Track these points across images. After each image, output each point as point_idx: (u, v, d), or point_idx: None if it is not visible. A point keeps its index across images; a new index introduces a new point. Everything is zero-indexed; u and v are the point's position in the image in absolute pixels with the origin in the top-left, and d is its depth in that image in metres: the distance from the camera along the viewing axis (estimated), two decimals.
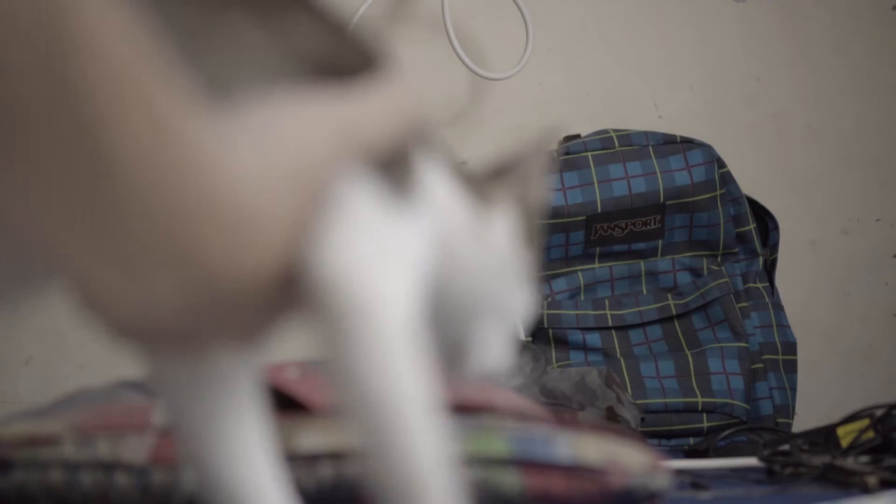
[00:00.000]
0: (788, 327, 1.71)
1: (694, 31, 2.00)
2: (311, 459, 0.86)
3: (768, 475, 1.27)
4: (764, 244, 1.75)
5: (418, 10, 1.88)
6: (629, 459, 0.91)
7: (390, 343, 0.47)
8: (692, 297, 1.69)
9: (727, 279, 1.69)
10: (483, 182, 0.64)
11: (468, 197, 0.61)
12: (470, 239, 0.61)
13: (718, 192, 1.70)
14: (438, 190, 0.58)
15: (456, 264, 0.60)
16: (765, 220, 1.76)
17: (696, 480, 1.24)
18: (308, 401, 0.90)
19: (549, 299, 1.67)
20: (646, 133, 1.75)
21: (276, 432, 0.89)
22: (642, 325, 1.67)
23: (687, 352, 1.66)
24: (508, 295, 0.66)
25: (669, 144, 1.72)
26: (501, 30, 1.89)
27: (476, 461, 0.86)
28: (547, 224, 1.63)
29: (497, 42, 1.90)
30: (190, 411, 0.53)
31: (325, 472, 0.87)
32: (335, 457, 0.86)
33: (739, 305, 1.69)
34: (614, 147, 1.72)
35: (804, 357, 1.74)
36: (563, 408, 1.32)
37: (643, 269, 1.69)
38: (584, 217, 1.66)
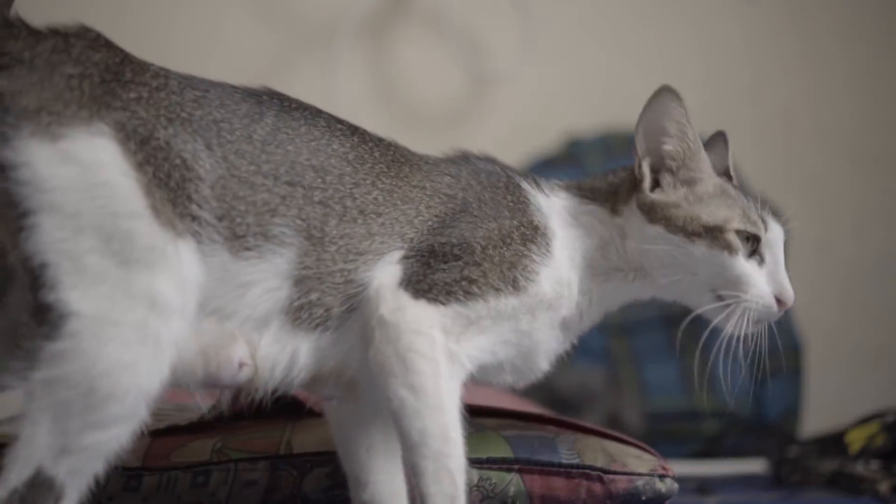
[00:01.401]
0: (795, 328, 1.69)
1: (697, 29, 1.98)
2: (310, 457, 0.87)
3: (776, 480, 1.25)
4: None
5: (418, 10, 1.87)
6: (634, 463, 0.90)
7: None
8: None
9: None
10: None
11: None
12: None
13: None
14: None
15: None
16: None
17: (702, 484, 1.22)
18: (306, 400, 0.90)
19: None
20: None
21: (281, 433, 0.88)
22: (645, 325, 1.65)
23: (691, 354, 1.64)
24: (697, 265, 0.82)
25: None
26: (501, 30, 1.88)
27: (479, 464, 0.85)
28: None
29: (497, 42, 1.89)
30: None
31: (322, 471, 0.87)
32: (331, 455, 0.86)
33: None
34: (617, 146, 1.70)
35: (811, 358, 1.72)
36: (566, 410, 1.30)
37: None
38: None
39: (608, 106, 1.90)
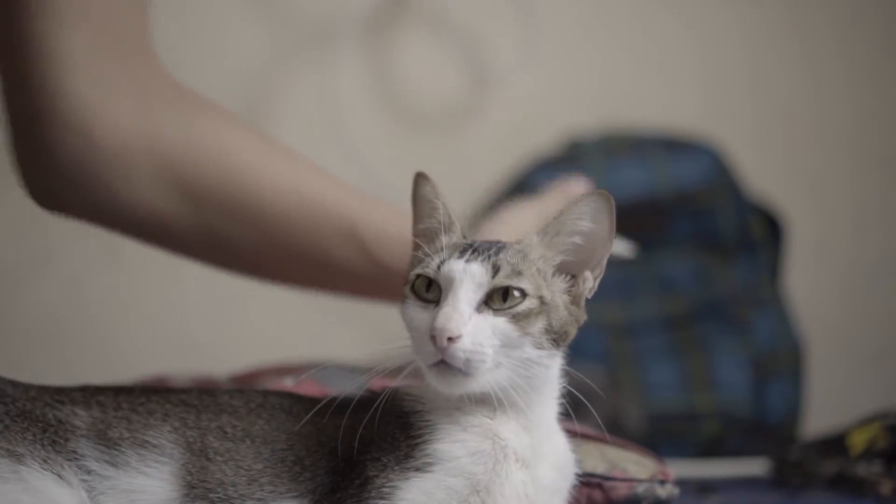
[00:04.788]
0: (797, 328, 1.69)
1: (697, 29, 1.98)
2: None
3: (777, 481, 1.25)
4: (771, 244, 1.73)
5: (418, 10, 1.87)
6: (634, 469, 0.89)
7: None
8: (697, 297, 1.66)
9: (733, 279, 1.67)
10: None
11: None
12: None
13: (724, 192, 1.67)
14: None
15: None
16: (772, 219, 1.73)
17: (703, 485, 1.22)
18: None
19: None
20: (650, 132, 1.73)
21: None
22: (646, 326, 1.65)
23: (692, 353, 1.64)
24: None
25: (674, 144, 1.70)
26: (501, 30, 1.88)
27: None
28: None
29: (497, 42, 1.89)
30: None
31: None
32: None
33: (746, 306, 1.66)
34: (617, 147, 1.70)
35: (812, 358, 1.72)
36: (565, 412, 1.30)
37: (647, 269, 1.67)
38: None
39: (608, 106, 1.90)
